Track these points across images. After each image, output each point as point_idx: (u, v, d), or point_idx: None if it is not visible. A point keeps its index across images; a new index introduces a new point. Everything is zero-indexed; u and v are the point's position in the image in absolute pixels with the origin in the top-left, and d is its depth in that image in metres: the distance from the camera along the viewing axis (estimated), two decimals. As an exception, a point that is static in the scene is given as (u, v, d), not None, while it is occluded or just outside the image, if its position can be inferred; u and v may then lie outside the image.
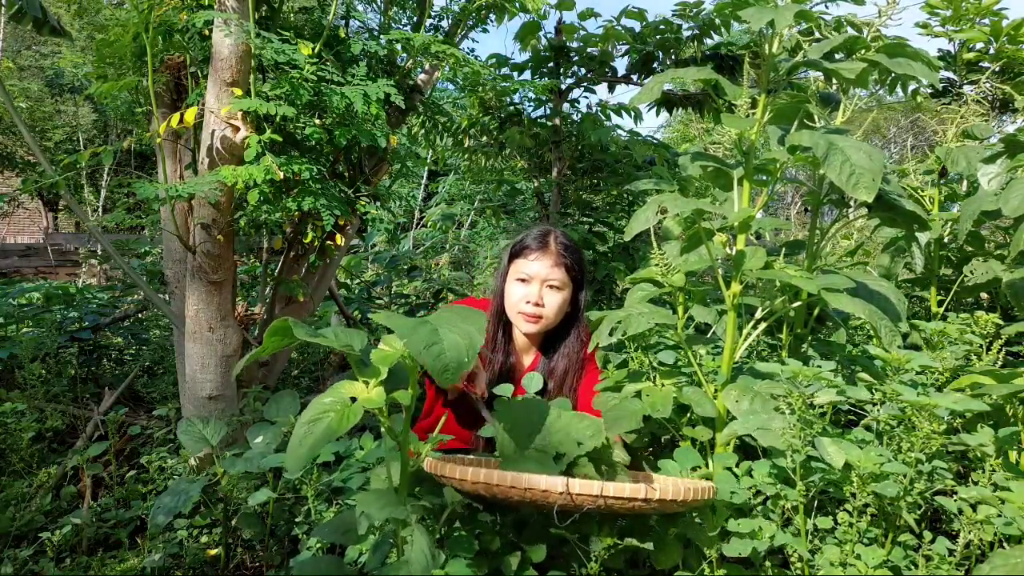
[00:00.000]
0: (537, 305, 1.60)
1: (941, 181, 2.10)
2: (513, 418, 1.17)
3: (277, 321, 0.91)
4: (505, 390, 1.33)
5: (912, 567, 1.06)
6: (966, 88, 2.78)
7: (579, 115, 3.14)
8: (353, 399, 0.92)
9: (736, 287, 1.31)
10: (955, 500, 1.10)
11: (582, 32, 2.96)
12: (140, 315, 3.17)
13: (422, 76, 2.24)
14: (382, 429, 1.04)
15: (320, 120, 1.70)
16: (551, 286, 1.62)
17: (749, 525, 1.09)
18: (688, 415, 1.41)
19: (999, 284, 1.82)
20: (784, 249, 1.65)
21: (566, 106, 3.13)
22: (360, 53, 1.81)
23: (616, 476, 1.16)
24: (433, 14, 2.12)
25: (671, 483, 0.98)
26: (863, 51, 1.35)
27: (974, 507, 1.08)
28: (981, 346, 1.48)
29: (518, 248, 1.66)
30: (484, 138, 3.25)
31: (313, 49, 1.65)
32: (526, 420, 1.16)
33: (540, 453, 1.04)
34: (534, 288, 1.61)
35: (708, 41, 2.90)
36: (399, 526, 0.97)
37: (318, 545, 1.20)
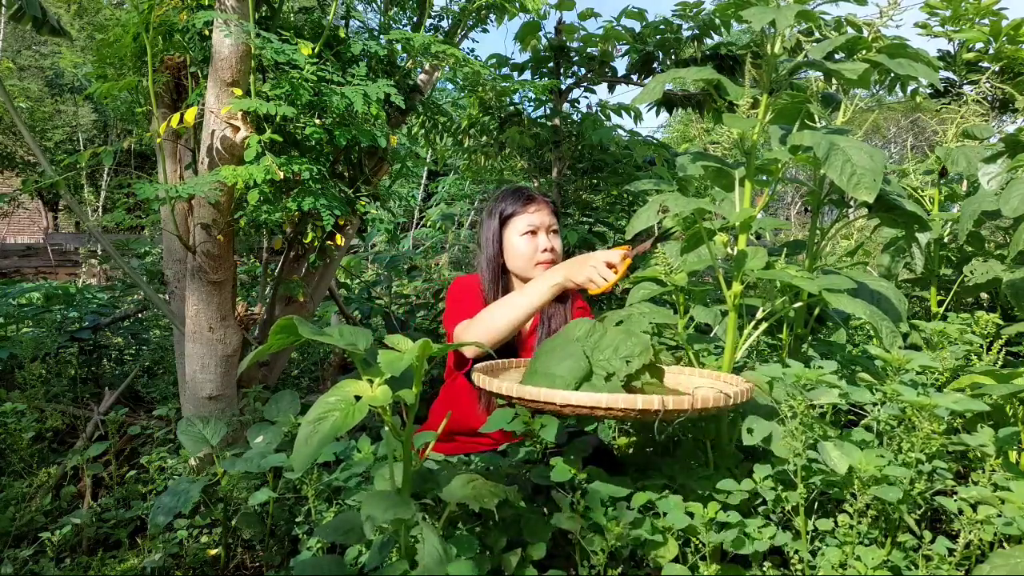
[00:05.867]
0: (552, 251, 1.68)
1: (941, 181, 2.10)
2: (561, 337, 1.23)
3: (282, 319, 0.91)
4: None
5: (912, 567, 1.06)
6: (966, 88, 2.78)
7: (579, 115, 3.14)
8: (358, 397, 0.92)
9: (737, 287, 1.31)
10: (955, 500, 1.10)
11: (582, 32, 2.96)
12: (140, 315, 3.17)
13: (422, 76, 2.24)
14: (384, 429, 1.04)
15: (320, 120, 1.70)
16: (554, 231, 1.70)
17: (751, 525, 1.09)
18: (688, 415, 1.41)
19: (999, 284, 1.82)
20: (785, 249, 1.65)
21: (566, 106, 3.13)
22: (360, 53, 1.81)
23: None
24: (433, 14, 2.12)
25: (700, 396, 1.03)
26: (864, 51, 1.35)
27: (974, 507, 1.08)
28: (981, 346, 1.48)
29: (512, 207, 1.70)
30: (484, 138, 3.25)
31: (313, 49, 1.65)
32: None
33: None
34: (543, 237, 1.67)
35: (708, 41, 2.90)
36: (403, 527, 0.96)
37: (318, 545, 1.20)
